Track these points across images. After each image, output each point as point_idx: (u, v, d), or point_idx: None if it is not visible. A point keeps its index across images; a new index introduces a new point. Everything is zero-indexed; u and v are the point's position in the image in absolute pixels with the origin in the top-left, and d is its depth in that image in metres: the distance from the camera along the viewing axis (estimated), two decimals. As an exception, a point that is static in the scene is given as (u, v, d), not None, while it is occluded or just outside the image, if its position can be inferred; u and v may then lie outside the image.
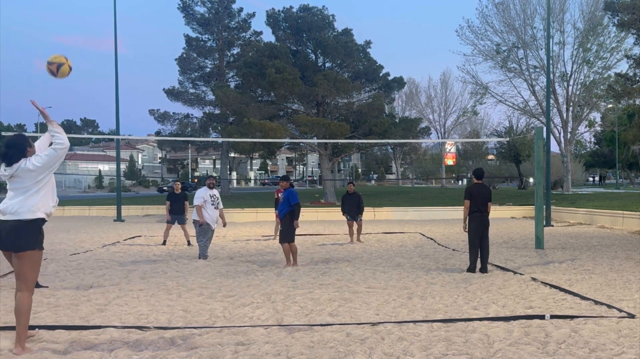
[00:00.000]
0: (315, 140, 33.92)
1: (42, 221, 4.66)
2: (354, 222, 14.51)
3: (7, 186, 4.70)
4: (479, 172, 9.62)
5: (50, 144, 4.81)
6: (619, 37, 34.54)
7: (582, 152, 73.72)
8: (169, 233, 14.00)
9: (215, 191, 11.32)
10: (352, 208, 14.36)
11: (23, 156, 4.62)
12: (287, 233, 10.01)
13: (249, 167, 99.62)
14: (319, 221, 23.02)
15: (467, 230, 9.41)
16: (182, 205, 13.51)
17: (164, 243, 13.69)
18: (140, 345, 4.99)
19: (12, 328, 5.50)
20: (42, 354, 4.71)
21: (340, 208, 15.03)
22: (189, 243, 13.49)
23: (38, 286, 7.43)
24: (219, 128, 40.14)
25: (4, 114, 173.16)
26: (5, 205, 4.60)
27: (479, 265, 9.35)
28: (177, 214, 13.42)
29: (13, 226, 4.51)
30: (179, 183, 13.92)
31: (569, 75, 36.90)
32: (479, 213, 9.29)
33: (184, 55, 43.05)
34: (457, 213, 24.19)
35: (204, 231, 11.05)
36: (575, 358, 4.60)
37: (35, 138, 5.27)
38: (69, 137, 4.92)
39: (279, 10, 35.44)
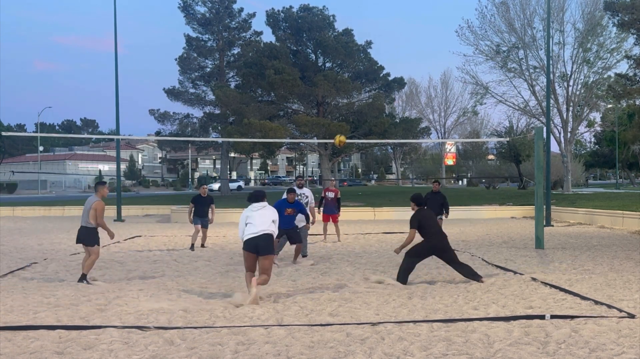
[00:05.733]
0: (315, 140, 33.95)
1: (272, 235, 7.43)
2: None
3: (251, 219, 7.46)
4: (417, 197, 8.32)
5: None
6: (619, 38, 34.52)
7: (582, 152, 73.70)
8: (197, 237, 13.38)
9: (305, 190, 11.91)
10: (435, 208, 12.92)
11: (263, 200, 7.56)
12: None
13: (249, 167, 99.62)
14: (319, 221, 22.95)
15: (398, 251, 8.35)
16: (208, 208, 13.50)
17: (192, 247, 12.91)
18: (140, 345, 4.99)
19: (12, 328, 5.50)
20: (42, 354, 4.71)
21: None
22: (202, 245, 13.43)
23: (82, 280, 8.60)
24: (219, 128, 40.11)
25: (4, 114, 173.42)
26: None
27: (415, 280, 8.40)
28: (201, 217, 13.40)
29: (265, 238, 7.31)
30: (205, 187, 14.16)
31: (569, 75, 36.87)
32: (436, 237, 8.14)
33: (184, 55, 42.98)
34: (457, 212, 24.16)
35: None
36: (575, 358, 4.60)
37: (34, 138, 5.33)
38: (68, 137, 5.00)
39: (279, 10, 35.47)
